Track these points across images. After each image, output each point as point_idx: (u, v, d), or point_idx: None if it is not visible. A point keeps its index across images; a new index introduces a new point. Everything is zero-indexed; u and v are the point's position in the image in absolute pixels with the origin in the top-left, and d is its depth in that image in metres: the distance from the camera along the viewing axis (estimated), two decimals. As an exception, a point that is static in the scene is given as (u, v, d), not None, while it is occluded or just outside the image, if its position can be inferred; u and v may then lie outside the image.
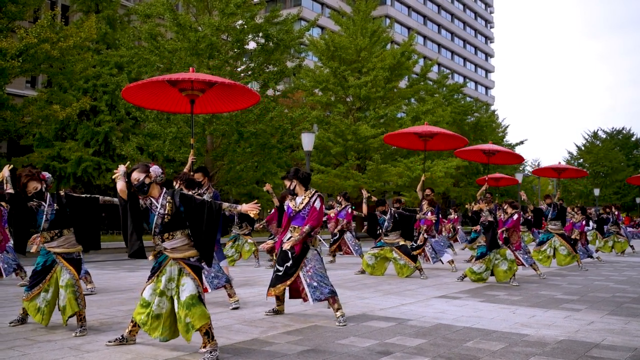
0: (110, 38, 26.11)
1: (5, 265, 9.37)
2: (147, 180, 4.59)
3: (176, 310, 4.51)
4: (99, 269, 11.43)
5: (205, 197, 7.82)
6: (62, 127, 23.69)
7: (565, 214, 12.95)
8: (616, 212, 17.60)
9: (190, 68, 7.45)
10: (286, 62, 24.34)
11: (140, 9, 22.52)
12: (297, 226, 6.15)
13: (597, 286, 9.46)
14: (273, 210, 12.18)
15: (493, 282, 9.62)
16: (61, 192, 5.58)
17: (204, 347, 4.43)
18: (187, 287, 4.51)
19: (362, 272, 10.85)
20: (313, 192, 6.22)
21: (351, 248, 13.36)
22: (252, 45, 24.19)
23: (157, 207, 4.62)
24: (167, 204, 4.62)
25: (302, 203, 6.18)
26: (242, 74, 23.49)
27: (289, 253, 6.09)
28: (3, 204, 9.45)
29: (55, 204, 5.39)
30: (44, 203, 5.36)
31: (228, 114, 20.59)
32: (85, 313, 5.34)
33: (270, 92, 23.59)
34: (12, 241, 9.65)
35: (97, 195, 5.66)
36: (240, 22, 22.59)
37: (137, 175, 4.57)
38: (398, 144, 14.94)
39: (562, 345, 5.12)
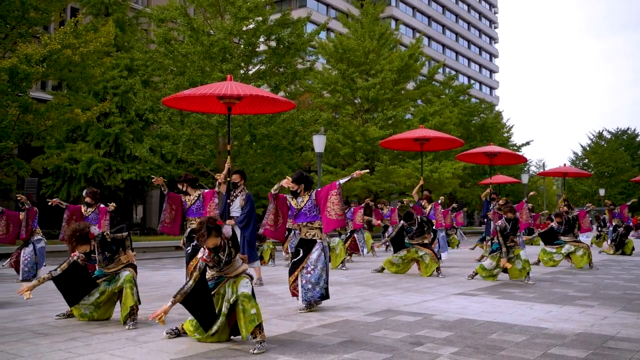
0: (120, 40, 26.53)
1: (26, 269, 9.74)
2: (222, 243, 4.98)
3: (234, 299, 4.89)
4: (124, 268, 11.84)
5: (238, 198, 8.28)
6: (73, 129, 24.12)
7: (575, 225, 12.95)
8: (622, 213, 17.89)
9: (228, 76, 7.82)
10: (297, 65, 24.75)
11: (155, 14, 22.96)
12: (301, 222, 6.84)
13: (607, 284, 9.82)
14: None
15: (507, 280, 10.00)
16: (107, 236, 5.76)
17: (254, 337, 4.82)
18: (248, 285, 4.98)
19: (378, 270, 11.28)
20: (312, 191, 6.93)
21: (359, 246, 13.90)
22: (262, 47, 24.60)
23: (224, 257, 5.01)
24: (232, 250, 5.02)
25: (302, 201, 6.86)
26: (253, 77, 23.91)
27: (300, 250, 6.79)
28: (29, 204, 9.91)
29: (105, 253, 5.75)
30: (93, 255, 5.73)
31: (241, 117, 21.01)
32: (138, 309, 5.75)
33: (281, 94, 24.00)
34: (44, 241, 10.11)
35: (127, 232, 6.02)
36: (252, 25, 23.01)
37: (216, 241, 4.88)
38: (395, 147, 15.55)
39: (580, 337, 5.49)
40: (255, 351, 4.69)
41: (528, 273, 9.80)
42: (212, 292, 5.02)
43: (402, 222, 10.99)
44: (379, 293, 8.36)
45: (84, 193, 8.66)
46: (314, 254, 6.71)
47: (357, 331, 5.61)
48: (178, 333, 5.22)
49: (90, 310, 5.88)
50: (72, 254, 5.64)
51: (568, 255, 12.68)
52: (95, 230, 5.69)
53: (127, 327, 5.56)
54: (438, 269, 10.76)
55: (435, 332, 5.60)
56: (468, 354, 4.75)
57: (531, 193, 14.07)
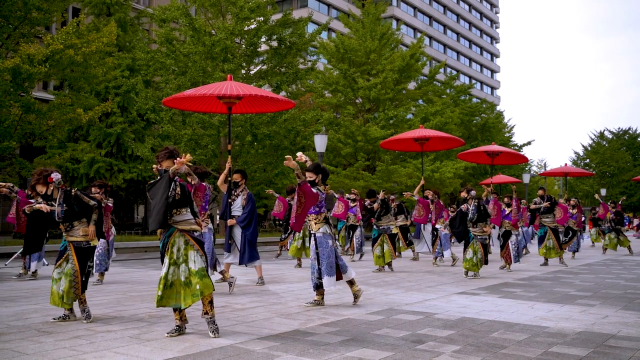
0: (122, 41, 26.55)
1: (97, 262, 9.73)
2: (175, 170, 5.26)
3: (185, 276, 5.13)
4: (127, 267, 11.93)
5: (239, 198, 8.31)
6: (75, 129, 24.16)
7: (554, 207, 13.18)
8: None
9: (228, 76, 7.86)
10: (298, 65, 24.78)
11: (156, 14, 23.01)
12: (311, 214, 7.03)
13: (608, 284, 9.84)
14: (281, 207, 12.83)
15: (509, 280, 10.03)
16: (73, 190, 5.87)
17: (206, 313, 5.09)
18: (198, 260, 5.16)
19: (379, 270, 11.33)
20: (327, 186, 7.15)
21: (355, 244, 13.95)
22: (264, 47, 24.63)
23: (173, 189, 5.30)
24: (177, 186, 5.30)
25: None
26: (254, 77, 23.95)
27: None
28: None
29: (64, 205, 5.81)
30: (53, 203, 5.81)
31: (242, 117, 21.06)
32: (85, 297, 5.91)
33: (282, 94, 24.03)
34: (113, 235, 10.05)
35: (97, 202, 6.03)
36: (253, 25, 23.06)
37: (169, 164, 5.32)
38: (396, 147, 15.60)
39: (581, 336, 5.52)
40: (212, 335, 5.03)
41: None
42: (166, 247, 5.21)
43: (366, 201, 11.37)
44: (381, 292, 8.39)
45: (92, 188, 8.64)
46: (311, 246, 7.07)
47: (359, 329, 5.64)
48: (180, 331, 5.25)
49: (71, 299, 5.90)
50: (36, 204, 5.75)
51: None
52: (55, 176, 5.72)
53: (84, 320, 5.79)
54: (390, 264, 11.15)
55: (437, 331, 5.62)
56: (469, 352, 4.78)
57: (513, 186, 14.02)
